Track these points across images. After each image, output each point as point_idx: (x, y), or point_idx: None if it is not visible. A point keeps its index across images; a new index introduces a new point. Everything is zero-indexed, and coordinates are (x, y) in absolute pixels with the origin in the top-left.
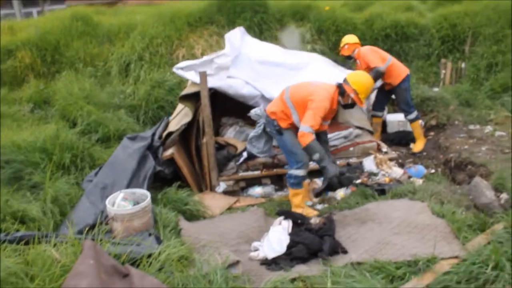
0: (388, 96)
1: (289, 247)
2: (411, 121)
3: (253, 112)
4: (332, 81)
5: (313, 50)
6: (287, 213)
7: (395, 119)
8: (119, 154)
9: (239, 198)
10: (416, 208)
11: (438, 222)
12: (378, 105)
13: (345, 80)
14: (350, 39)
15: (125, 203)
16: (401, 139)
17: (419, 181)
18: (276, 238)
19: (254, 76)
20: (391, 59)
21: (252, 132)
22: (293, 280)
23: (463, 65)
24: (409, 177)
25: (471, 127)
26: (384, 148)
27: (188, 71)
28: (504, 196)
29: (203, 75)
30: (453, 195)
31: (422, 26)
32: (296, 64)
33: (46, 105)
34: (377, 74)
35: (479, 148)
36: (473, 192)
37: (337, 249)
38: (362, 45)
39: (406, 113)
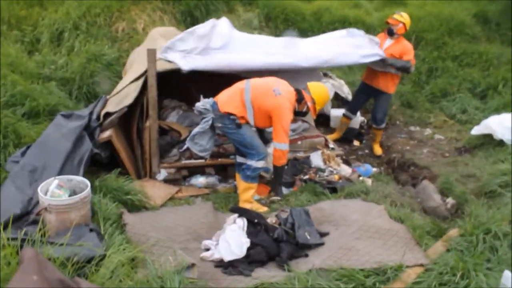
0: (366, 100)
1: (247, 248)
2: (380, 129)
3: (200, 106)
4: None
5: None
6: (242, 211)
7: (339, 114)
8: (51, 133)
9: (181, 187)
10: (374, 212)
11: (398, 228)
12: (355, 107)
13: (305, 88)
14: (408, 21)
15: (60, 191)
16: (345, 136)
17: (368, 181)
18: (235, 240)
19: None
20: None
21: (197, 128)
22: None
23: None
24: (359, 176)
25: (412, 128)
26: (331, 144)
27: (172, 53)
28: (450, 201)
29: (152, 53)
30: (402, 197)
31: (368, 24)
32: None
33: None
34: (405, 68)
35: (420, 150)
36: (421, 195)
37: (296, 255)
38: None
39: (380, 122)
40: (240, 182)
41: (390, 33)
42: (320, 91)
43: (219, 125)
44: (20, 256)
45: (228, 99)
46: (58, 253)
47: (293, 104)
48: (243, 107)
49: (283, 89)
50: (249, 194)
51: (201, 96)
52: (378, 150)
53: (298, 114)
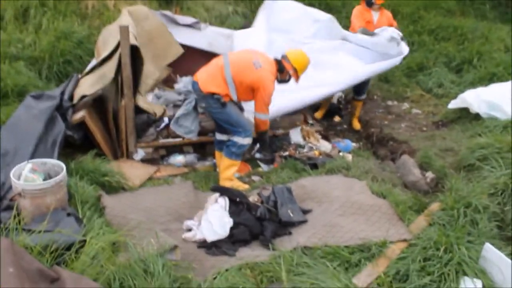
0: None
1: (230, 228)
2: (360, 100)
3: (182, 88)
4: None
5: (235, 12)
6: (223, 190)
7: None
8: (22, 115)
9: (159, 167)
10: (356, 187)
11: (380, 203)
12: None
13: (284, 57)
14: None
15: (34, 175)
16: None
17: (349, 156)
18: (218, 220)
19: None
20: None
21: (180, 110)
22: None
23: None
24: (339, 151)
25: (389, 103)
26: (310, 120)
27: None
28: (429, 175)
29: (125, 30)
30: (382, 172)
31: None
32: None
33: None
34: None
35: (398, 125)
36: (401, 169)
37: (280, 233)
38: None
39: (362, 93)
40: (223, 159)
41: (369, 5)
42: (300, 58)
43: (203, 105)
44: None
45: (208, 78)
46: (35, 241)
47: (275, 75)
48: (225, 84)
49: (263, 60)
50: (230, 172)
51: (177, 76)
52: (357, 125)
53: (281, 82)
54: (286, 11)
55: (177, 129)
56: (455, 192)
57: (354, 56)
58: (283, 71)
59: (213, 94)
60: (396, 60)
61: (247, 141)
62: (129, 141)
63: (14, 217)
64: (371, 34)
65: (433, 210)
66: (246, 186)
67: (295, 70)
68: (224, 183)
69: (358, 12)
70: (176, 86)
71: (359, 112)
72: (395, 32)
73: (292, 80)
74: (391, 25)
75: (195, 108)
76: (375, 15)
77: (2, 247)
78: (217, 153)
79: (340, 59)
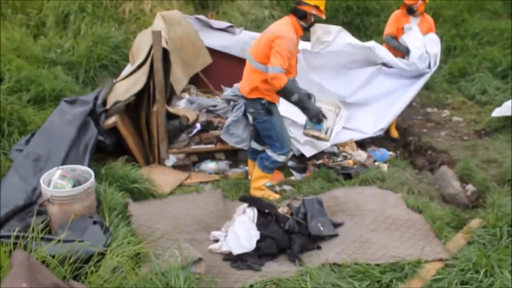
0: None
1: (257, 241)
2: None
3: (230, 94)
4: None
5: (271, 16)
6: (252, 200)
7: None
8: (56, 120)
9: (190, 173)
10: (390, 200)
11: (415, 218)
12: None
13: (299, 2)
14: None
15: (63, 182)
16: None
17: (384, 166)
18: (244, 233)
19: None
20: None
21: (230, 117)
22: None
23: None
24: (374, 161)
25: (429, 110)
26: None
27: None
28: (470, 188)
29: (157, 35)
30: (419, 184)
31: (383, 1)
32: None
33: None
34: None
35: (438, 133)
36: (440, 181)
37: (308, 247)
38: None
39: None
40: (256, 169)
41: (411, 12)
42: None
43: (251, 110)
44: (11, 259)
45: (244, 81)
46: (54, 251)
47: (294, 25)
48: (258, 73)
49: (273, 25)
50: (261, 183)
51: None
52: (394, 133)
53: (309, 28)
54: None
55: (228, 138)
56: (498, 208)
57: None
58: (305, 16)
59: (258, 98)
60: (427, 76)
61: (281, 158)
62: (161, 147)
63: (33, 228)
64: (397, 46)
65: (473, 227)
66: (277, 196)
67: (317, 7)
68: (255, 192)
69: (394, 18)
70: (224, 93)
71: (396, 120)
72: (423, 48)
73: None
74: (431, 31)
75: (244, 114)
76: (415, 21)
77: (17, 260)
78: (250, 162)
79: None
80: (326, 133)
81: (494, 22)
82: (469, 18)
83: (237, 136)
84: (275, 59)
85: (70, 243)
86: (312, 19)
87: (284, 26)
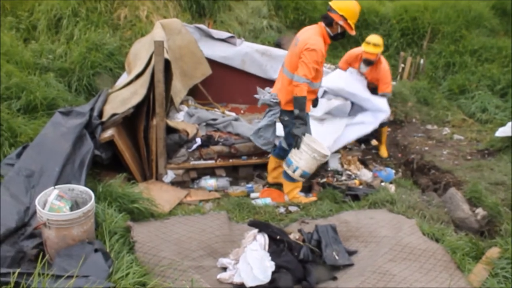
0: None
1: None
2: (382, 125)
3: (269, 99)
4: None
5: (269, 26)
6: (262, 226)
7: None
8: (49, 132)
9: (190, 191)
10: (405, 227)
11: (434, 248)
12: None
13: (329, 9)
14: (382, 44)
15: (60, 203)
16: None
17: (391, 187)
18: (258, 263)
19: None
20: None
21: (263, 121)
22: None
23: (421, 61)
24: (381, 181)
25: (429, 127)
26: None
27: None
28: (480, 211)
29: (159, 45)
30: (429, 207)
31: (382, 15)
32: None
33: None
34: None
35: (440, 151)
36: (448, 204)
37: (324, 278)
38: None
39: None
40: (285, 184)
41: (368, 65)
42: (345, 4)
43: (286, 118)
44: None
45: (282, 91)
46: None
47: (322, 33)
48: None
49: (305, 33)
50: (295, 193)
51: (257, 88)
52: (384, 152)
53: (337, 37)
54: None
55: (256, 139)
56: None
57: None
58: (332, 24)
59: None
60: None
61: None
62: (159, 162)
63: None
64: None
65: (492, 257)
66: (315, 198)
67: (344, 19)
68: (293, 200)
69: (348, 58)
70: (263, 97)
71: (385, 138)
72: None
73: None
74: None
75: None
76: (366, 68)
77: None
78: (271, 157)
79: None
80: (294, 171)
81: (492, 39)
82: (467, 34)
83: (265, 138)
84: (301, 69)
85: (73, 278)
86: (339, 30)
87: (314, 37)
